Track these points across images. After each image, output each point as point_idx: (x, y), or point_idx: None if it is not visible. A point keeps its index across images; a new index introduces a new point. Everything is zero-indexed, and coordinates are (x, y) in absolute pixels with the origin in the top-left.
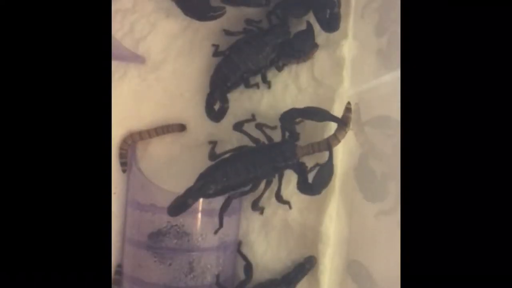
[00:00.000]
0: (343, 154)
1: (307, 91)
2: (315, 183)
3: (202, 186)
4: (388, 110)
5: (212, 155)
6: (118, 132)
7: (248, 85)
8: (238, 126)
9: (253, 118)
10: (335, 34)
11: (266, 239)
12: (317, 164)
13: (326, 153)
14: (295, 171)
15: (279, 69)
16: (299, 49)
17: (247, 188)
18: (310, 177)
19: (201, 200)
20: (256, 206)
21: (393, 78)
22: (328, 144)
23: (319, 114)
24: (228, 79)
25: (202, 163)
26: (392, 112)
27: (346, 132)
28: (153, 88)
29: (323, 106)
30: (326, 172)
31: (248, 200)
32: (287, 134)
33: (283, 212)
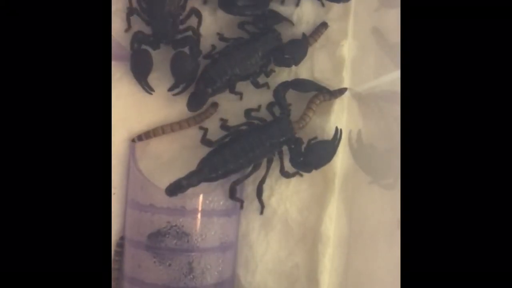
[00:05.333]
0: (344, 152)
1: None
2: (311, 159)
3: (204, 171)
4: (388, 110)
5: (205, 141)
6: (117, 132)
7: (233, 91)
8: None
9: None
10: (335, 34)
11: (266, 239)
12: (315, 139)
13: (327, 131)
14: (292, 146)
15: (267, 74)
16: (290, 56)
17: (249, 170)
18: (309, 153)
19: (200, 200)
20: (261, 191)
21: (393, 78)
22: (309, 108)
23: (308, 85)
24: (214, 83)
25: None
26: (392, 112)
27: (323, 99)
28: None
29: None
30: (325, 148)
31: (248, 200)
32: (279, 112)
33: (283, 212)
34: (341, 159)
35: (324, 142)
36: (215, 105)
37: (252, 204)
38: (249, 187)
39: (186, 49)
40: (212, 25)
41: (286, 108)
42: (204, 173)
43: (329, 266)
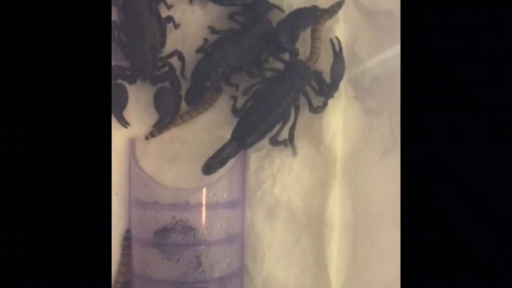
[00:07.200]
0: (343, 136)
1: None
2: (332, 81)
3: (238, 139)
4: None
5: (234, 110)
6: (117, 132)
7: (228, 83)
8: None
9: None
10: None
11: (272, 228)
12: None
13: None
14: (315, 82)
15: (261, 63)
16: (284, 45)
17: (280, 124)
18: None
19: (204, 194)
20: (292, 138)
21: (387, 57)
22: (315, 38)
23: (304, 16)
24: (209, 77)
25: (202, 159)
26: (390, 94)
27: (324, 22)
28: (152, 86)
29: None
30: (337, 67)
31: (251, 190)
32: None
33: (287, 201)
34: (341, 144)
35: (334, 64)
36: (219, 89)
37: (255, 195)
38: (252, 178)
39: (167, 84)
40: (203, 18)
41: (293, 50)
42: (239, 140)
43: (337, 250)
